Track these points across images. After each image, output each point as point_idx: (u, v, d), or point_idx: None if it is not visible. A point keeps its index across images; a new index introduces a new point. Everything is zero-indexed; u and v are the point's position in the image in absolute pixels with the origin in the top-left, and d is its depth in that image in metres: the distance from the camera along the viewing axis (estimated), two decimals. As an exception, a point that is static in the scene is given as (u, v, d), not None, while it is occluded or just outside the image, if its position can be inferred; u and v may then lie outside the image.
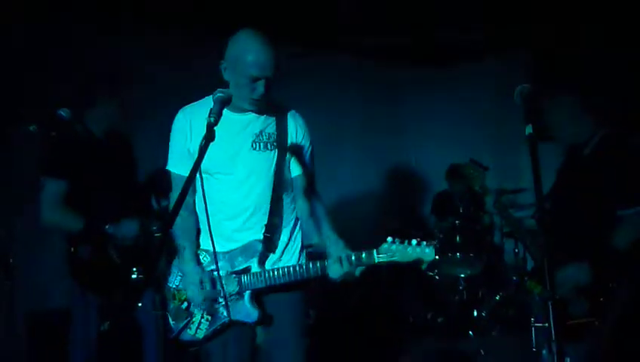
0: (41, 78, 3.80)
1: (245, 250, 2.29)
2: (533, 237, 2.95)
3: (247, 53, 2.14)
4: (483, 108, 5.57)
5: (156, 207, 3.16)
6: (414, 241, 2.12)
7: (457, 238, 4.42)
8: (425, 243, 2.12)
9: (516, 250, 4.53)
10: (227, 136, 2.18)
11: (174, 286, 2.37)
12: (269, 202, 2.30)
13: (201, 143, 1.78)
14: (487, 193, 3.04)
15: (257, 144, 2.28)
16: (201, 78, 4.28)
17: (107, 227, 2.93)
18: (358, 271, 2.21)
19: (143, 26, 4.31)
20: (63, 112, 2.13)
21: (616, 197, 2.62)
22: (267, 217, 2.29)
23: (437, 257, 2.16)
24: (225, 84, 2.20)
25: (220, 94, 1.91)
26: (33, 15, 3.84)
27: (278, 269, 2.24)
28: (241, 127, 2.28)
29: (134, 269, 2.90)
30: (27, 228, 3.68)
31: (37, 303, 3.77)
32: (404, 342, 4.33)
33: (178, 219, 1.96)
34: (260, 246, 2.28)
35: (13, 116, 3.34)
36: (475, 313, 4.30)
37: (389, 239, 2.14)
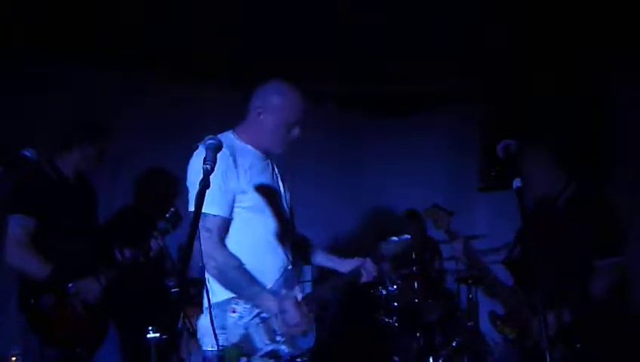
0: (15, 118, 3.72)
1: (286, 281, 2.38)
2: (501, 284, 2.99)
3: (288, 101, 2.38)
4: (434, 158, 5.72)
5: (120, 259, 3.04)
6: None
7: (415, 285, 4.46)
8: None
9: (470, 296, 4.59)
10: (267, 177, 2.42)
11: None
12: (292, 234, 2.53)
13: (200, 189, 1.77)
14: (455, 238, 3.08)
15: (284, 184, 2.55)
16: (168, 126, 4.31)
17: (70, 286, 2.86)
18: None
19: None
20: (28, 153, 2.08)
21: (590, 248, 2.73)
22: (291, 249, 2.48)
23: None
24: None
25: (212, 141, 1.90)
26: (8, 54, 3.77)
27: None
28: (270, 169, 2.49)
29: None
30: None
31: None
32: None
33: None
34: (293, 274, 2.44)
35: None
36: (431, 360, 4.30)
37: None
